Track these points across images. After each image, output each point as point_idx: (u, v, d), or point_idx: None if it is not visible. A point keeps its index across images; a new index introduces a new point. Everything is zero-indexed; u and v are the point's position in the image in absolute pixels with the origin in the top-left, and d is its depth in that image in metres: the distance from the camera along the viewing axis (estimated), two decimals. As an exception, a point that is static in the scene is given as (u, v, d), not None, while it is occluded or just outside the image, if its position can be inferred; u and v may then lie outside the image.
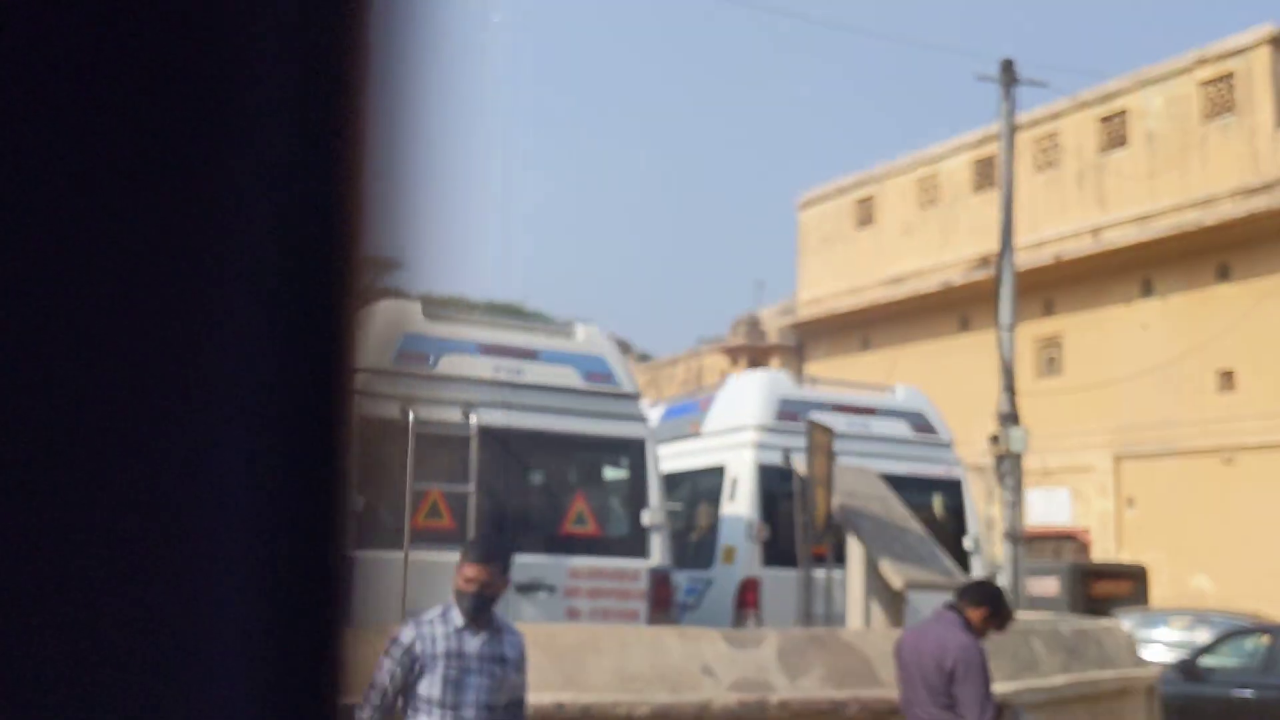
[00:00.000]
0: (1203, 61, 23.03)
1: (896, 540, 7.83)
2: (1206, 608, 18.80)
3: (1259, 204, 21.24)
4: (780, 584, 8.16)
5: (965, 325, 27.40)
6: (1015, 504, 13.40)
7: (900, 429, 9.21)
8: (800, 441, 8.78)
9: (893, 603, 7.75)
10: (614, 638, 6.18)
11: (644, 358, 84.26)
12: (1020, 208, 26.31)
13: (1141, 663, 9.11)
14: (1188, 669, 12.45)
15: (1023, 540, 25.88)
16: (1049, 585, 20.39)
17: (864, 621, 7.71)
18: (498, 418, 6.85)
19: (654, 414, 10.71)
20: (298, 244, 0.55)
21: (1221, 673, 12.45)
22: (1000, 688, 7.10)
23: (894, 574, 7.47)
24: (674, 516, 9.85)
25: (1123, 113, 24.50)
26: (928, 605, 8.70)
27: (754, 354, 34.21)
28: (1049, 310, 25.48)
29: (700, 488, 9.11)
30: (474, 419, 6.66)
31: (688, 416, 9.68)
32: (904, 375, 27.37)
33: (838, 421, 9.08)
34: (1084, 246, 24.37)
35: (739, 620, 8.11)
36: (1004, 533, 13.72)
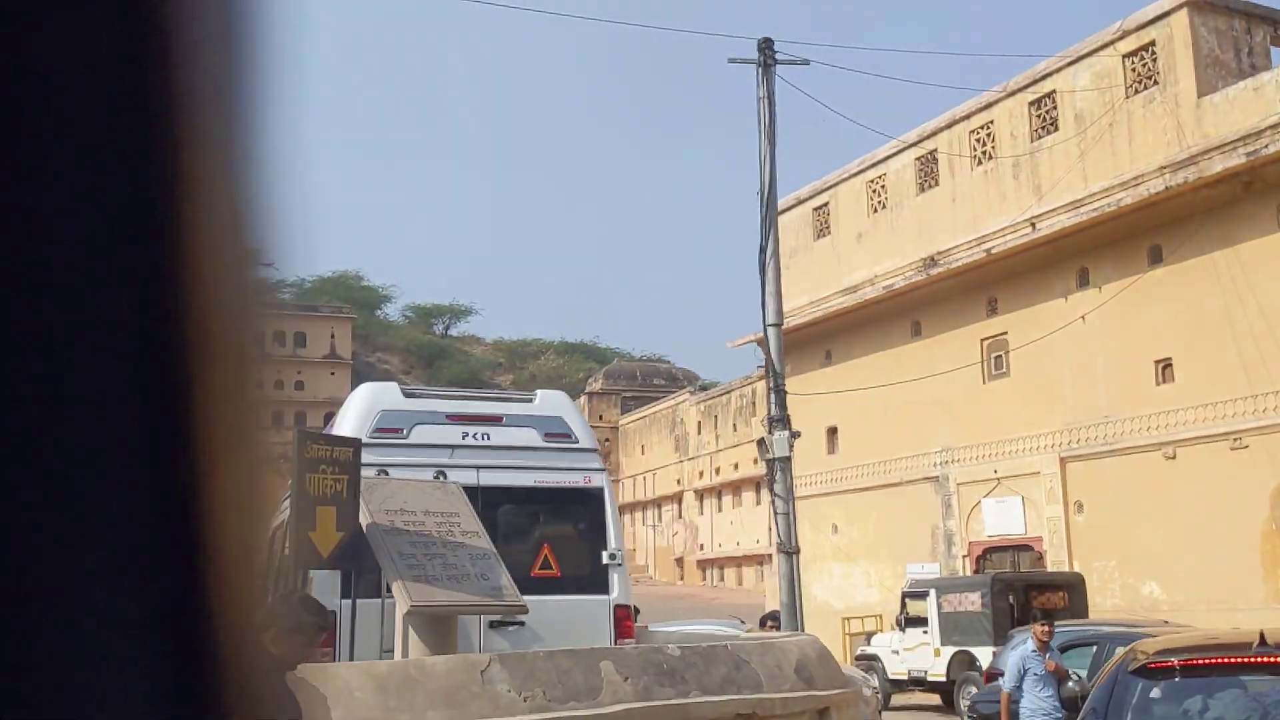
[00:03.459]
0: (1124, 33, 21.64)
1: (438, 559, 7.02)
2: (1149, 618, 17.30)
3: (1183, 179, 19.76)
4: (365, 615, 7.43)
5: (918, 331, 26.11)
6: (787, 514, 12.20)
7: (530, 438, 8.40)
8: (400, 457, 8.09)
9: (435, 628, 6.95)
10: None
11: (704, 387, 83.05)
12: (961, 205, 25.12)
13: (814, 683, 8.11)
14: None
15: (986, 556, 24.36)
16: (971, 600, 19.06)
17: (403, 651, 6.93)
18: None
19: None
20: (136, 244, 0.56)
21: None
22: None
23: (403, 597, 6.68)
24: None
25: (1052, 93, 23.15)
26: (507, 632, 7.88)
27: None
28: (993, 310, 24.11)
29: None
30: None
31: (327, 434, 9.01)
32: (861, 385, 26.20)
33: (452, 433, 8.34)
34: (1024, 238, 23.00)
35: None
36: (776, 544, 12.52)
